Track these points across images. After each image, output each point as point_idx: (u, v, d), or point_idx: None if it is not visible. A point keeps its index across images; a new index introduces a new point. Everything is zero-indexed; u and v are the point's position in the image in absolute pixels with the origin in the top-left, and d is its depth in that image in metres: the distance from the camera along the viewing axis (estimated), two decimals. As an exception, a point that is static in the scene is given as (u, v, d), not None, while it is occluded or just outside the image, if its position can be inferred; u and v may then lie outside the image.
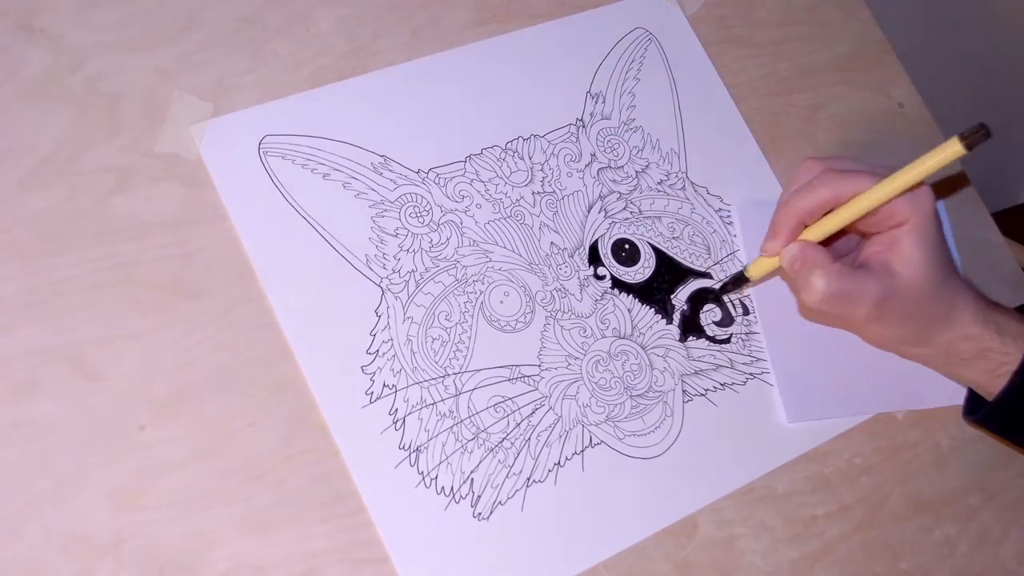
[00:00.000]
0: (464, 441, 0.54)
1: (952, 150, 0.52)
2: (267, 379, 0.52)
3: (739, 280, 0.61)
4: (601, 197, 0.62)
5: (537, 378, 0.57)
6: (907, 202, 0.57)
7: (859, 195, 0.56)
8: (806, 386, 0.62)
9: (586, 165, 0.63)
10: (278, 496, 0.50)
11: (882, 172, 0.56)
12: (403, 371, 0.54)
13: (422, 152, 0.59)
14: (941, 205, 0.68)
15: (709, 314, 0.62)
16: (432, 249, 0.57)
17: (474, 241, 0.58)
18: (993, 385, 0.60)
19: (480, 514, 0.53)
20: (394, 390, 0.54)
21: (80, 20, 0.54)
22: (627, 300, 0.60)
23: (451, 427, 0.54)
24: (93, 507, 0.47)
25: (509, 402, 0.56)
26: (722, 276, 0.63)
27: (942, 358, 0.61)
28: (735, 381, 0.61)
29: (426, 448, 0.53)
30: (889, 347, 0.63)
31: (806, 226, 0.58)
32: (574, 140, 0.63)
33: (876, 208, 0.56)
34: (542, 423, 0.56)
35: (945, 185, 0.72)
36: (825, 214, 0.58)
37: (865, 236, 0.60)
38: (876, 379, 0.63)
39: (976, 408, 0.62)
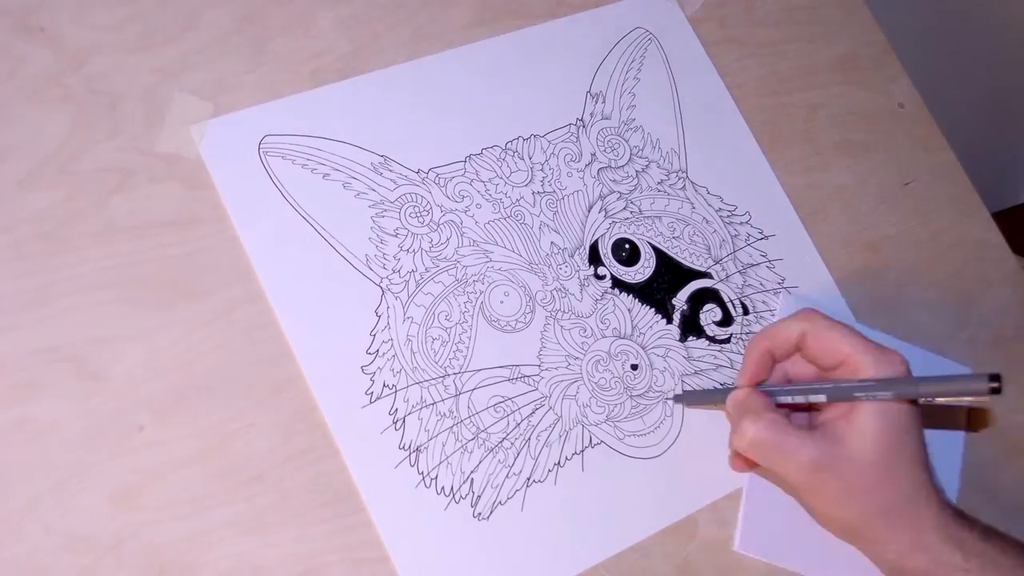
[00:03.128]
0: (464, 441, 0.54)
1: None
2: (267, 379, 0.52)
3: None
4: (601, 197, 0.62)
5: (537, 378, 0.57)
6: (877, 368, 0.52)
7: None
8: (768, 527, 0.58)
9: (586, 165, 0.63)
10: (278, 496, 0.50)
11: (870, 342, 0.53)
12: (403, 371, 0.54)
13: (422, 152, 0.59)
14: (958, 437, 0.65)
15: (709, 314, 0.62)
16: (432, 249, 0.57)
17: (474, 241, 0.58)
18: None
19: (480, 514, 0.53)
20: (394, 390, 0.54)
21: (80, 20, 0.54)
22: (627, 300, 0.60)
23: (451, 427, 0.54)
24: (93, 507, 0.47)
25: (509, 402, 0.56)
26: (722, 276, 0.63)
27: (895, 570, 0.54)
28: (735, 381, 0.61)
29: (426, 448, 0.53)
30: (841, 535, 0.56)
31: (775, 360, 0.56)
32: (574, 140, 0.63)
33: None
34: (542, 423, 0.56)
35: (945, 183, 0.72)
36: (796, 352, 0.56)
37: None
38: (838, 556, 0.57)
39: None
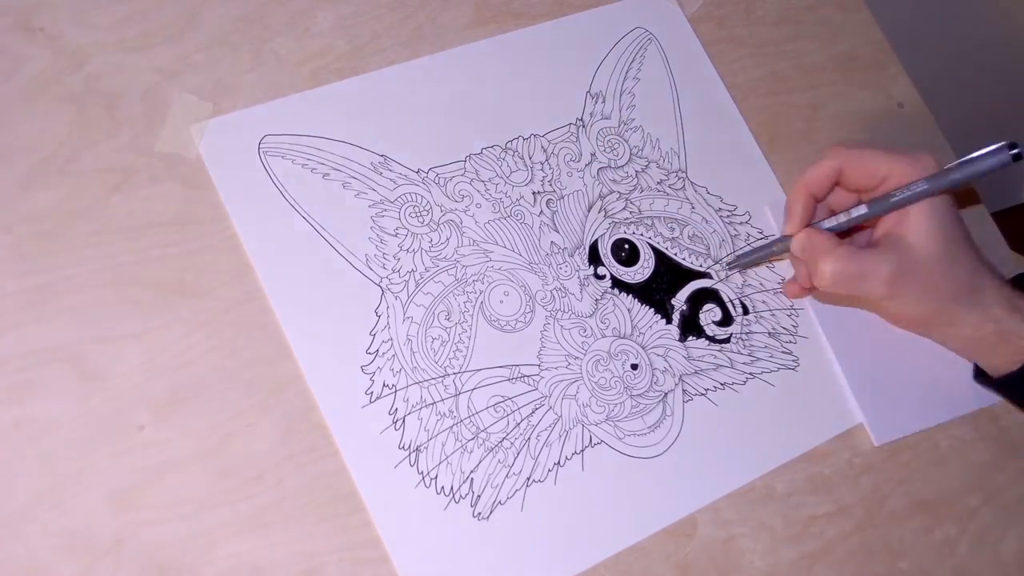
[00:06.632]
0: (464, 441, 0.54)
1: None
2: (267, 379, 0.52)
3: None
4: (601, 197, 0.62)
5: (537, 378, 0.57)
6: (913, 172, 0.57)
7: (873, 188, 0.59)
8: (888, 405, 0.63)
9: (586, 165, 0.63)
10: (278, 496, 0.50)
11: (898, 151, 0.58)
12: (403, 371, 0.54)
13: (422, 152, 0.59)
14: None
15: (709, 314, 0.62)
16: (432, 249, 0.57)
17: (474, 241, 0.58)
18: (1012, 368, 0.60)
19: (480, 514, 0.53)
20: (394, 390, 0.54)
21: (80, 20, 0.55)
22: (627, 300, 0.60)
23: (451, 427, 0.54)
24: (93, 507, 0.47)
25: (509, 402, 0.56)
26: (721, 276, 0.63)
27: (968, 344, 0.61)
28: (735, 381, 0.61)
29: (426, 448, 0.53)
30: (917, 329, 0.63)
31: (817, 201, 0.61)
32: (574, 140, 0.63)
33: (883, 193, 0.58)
34: (542, 423, 0.56)
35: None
36: (835, 186, 0.61)
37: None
38: (951, 383, 0.64)
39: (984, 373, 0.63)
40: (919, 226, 0.57)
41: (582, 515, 0.55)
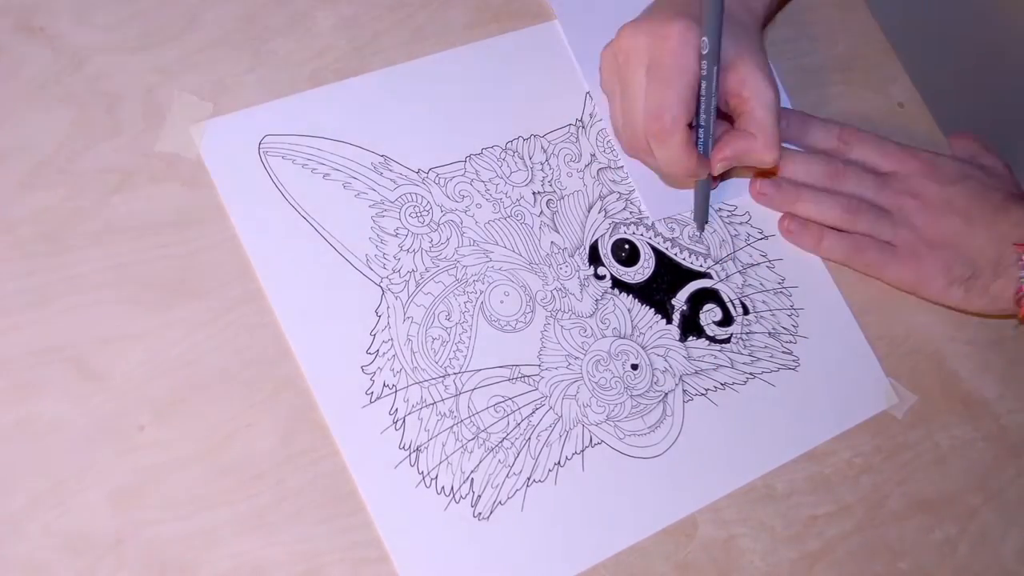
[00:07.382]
0: (464, 441, 0.54)
1: None
2: (267, 379, 0.52)
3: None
4: (601, 197, 0.62)
5: (537, 378, 0.57)
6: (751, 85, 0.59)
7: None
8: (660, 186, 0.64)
9: (586, 165, 0.63)
10: (278, 496, 0.50)
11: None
12: (403, 371, 0.54)
13: (422, 152, 0.59)
14: None
15: (709, 314, 0.62)
16: (432, 249, 0.57)
17: (474, 241, 0.58)
18: None
19: (480, 514, 0.53)
20: (394, 390, 0.54)
21: (80, 20, 0.55)
22: (627, 300, 0.60)
23: (451, 427, 0.54)
24: (93, 507, 0.47)
25: (509, 402, 0.56)
26: (721, 276, 0.63)
27: None
28: (735, 381, 0.61)
29: (426, 448, 0.53)
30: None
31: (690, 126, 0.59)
32: (574, 140, 0.63)
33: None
34: (542, 423, 0.56)
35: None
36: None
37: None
38: None
39: None
40: (753, 89, 0.58)
41: (582, 515, 0.55)
